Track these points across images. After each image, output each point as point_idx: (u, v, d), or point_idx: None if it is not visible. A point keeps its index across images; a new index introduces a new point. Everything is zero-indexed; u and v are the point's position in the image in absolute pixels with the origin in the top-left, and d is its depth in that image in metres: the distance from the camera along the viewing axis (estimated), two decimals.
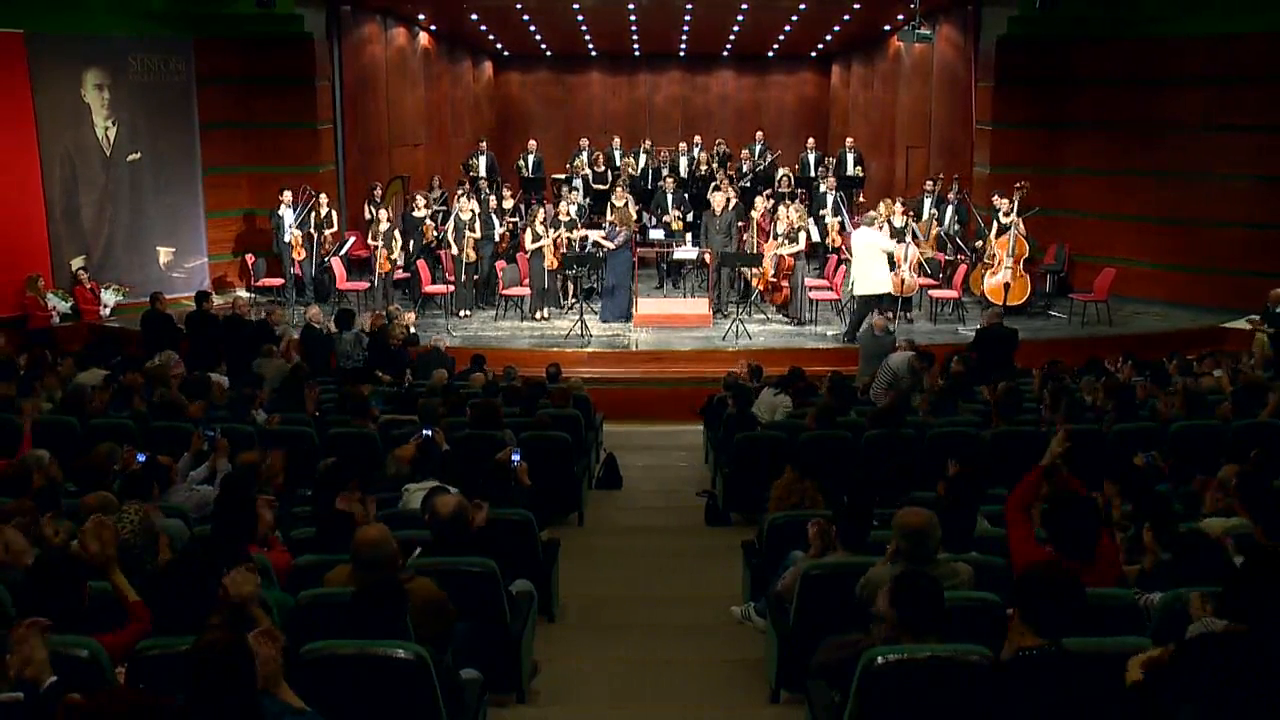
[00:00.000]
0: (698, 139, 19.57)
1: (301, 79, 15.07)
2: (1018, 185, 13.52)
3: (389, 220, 14.12)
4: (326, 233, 14.46)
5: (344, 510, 5.28)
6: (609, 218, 14.39)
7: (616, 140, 19.21)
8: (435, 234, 14.41)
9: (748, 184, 16.88)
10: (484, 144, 18.63)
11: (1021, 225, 13.16)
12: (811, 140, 18.93)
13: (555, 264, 13.54)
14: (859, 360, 10.82)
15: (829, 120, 24.89)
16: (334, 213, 14.64)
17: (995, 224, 13.44)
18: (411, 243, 14.44)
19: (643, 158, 18.12)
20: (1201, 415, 7.50)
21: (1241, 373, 9.07)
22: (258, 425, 7.67)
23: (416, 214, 14.61)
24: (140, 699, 2.89)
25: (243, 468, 5.89)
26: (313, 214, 14.37)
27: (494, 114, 25.19)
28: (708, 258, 13.93)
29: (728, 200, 14.14)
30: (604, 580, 6.85)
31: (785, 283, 13.43)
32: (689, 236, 15.03)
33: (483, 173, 17.42)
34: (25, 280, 12.79)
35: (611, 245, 13.40)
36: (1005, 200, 13.32)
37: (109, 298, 13.63)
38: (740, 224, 14.31)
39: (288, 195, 14.25)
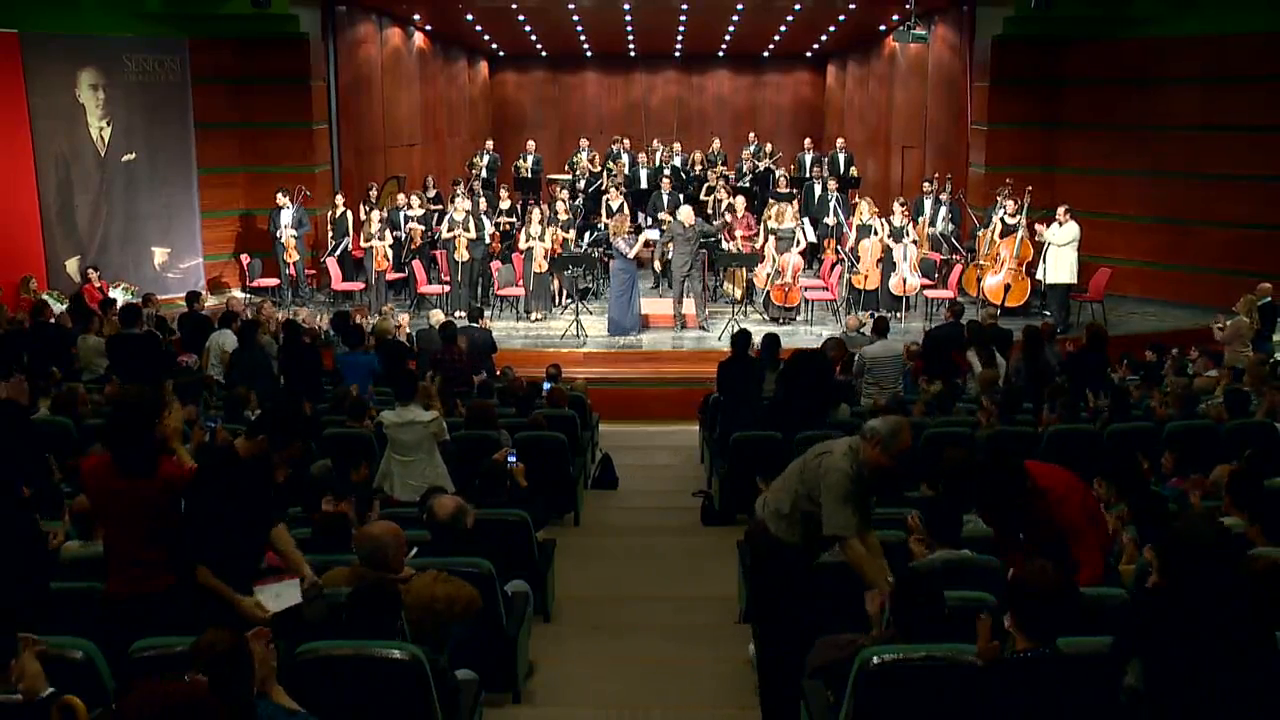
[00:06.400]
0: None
1: (297, 79, 15.04)
2: (1007, 181, 13.55)
3: (381, 220, 14.10)
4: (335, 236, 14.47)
5: (340, 512, 5.29)
6: (604, 220, 14.34)
7: (626, 142, 19.14)
8: (423, 237, 14.38)
9: (746, 184, 16.86)
10: (490, 144, 18.64)
11: (1025, 228, 13.13)
12: (808, 141, 18.93)
13: (543, 266, 13.50)
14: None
15: (824, 121, 24.89)
16: (349, 213, 14.59)
17: (1000, 224, 13.41)
18: (400, 241, 14.43)
19: (625, 157, 18.11)
20: (1196, 415, 7.51)
21: (1237, 369, 9.07)
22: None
23: (410, 212, 14.54)
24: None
25: None
26: (328, 214, 14.43)
27: (489, 114, 25.16)
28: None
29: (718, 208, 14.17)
30: (600, 580, 6.85)
31: (795, 283, 13.44)
32: None
33: (484, 173, 17.43)
34: (19, 281, 12.72)
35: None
36: (1011, 201, 13.31)
37: (118, 296, 13.55)
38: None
39: (283, 196, 14.21)
